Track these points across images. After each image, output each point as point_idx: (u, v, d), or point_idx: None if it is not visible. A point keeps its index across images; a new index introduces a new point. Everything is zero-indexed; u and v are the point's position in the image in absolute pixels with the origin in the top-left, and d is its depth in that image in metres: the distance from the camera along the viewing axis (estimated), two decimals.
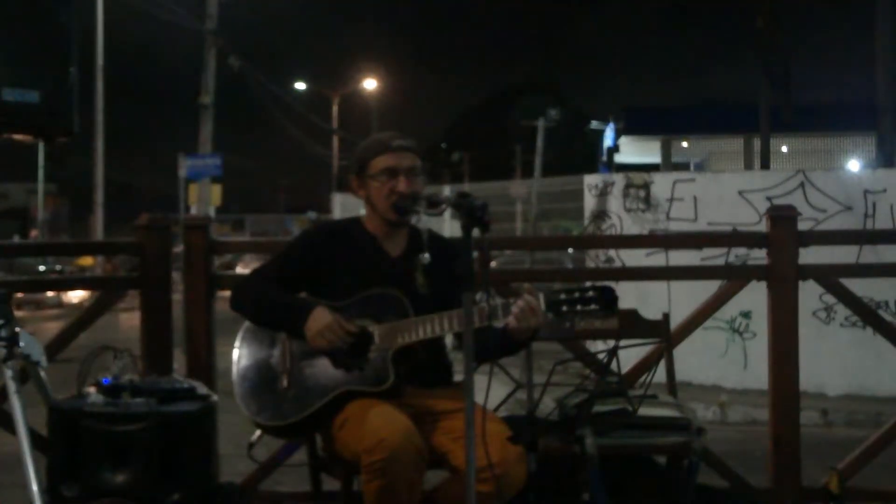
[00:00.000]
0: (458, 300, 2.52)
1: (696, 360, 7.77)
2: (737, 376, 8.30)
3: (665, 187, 8.85)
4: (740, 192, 8.56)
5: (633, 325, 3.74)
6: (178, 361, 4.04)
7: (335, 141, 37.15)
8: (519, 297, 2.81)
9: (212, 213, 19.98)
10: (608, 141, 22.41)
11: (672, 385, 3.76)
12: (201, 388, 3.33)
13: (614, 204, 8.99)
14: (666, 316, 3.82)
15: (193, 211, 19.36)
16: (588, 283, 2.84)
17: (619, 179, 9.11)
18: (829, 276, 4.09)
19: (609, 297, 2.76)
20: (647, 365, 3.87)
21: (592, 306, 2.74)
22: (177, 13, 19.80)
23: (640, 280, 6.49)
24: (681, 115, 21.56)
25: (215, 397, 3.34)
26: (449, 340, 3.09)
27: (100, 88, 24.00)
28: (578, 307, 2.75)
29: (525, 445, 2.82)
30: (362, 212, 3.19)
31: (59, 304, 22.16)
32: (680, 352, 3.88)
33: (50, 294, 21.61)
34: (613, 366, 3.72)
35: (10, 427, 3.24)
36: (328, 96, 38.85)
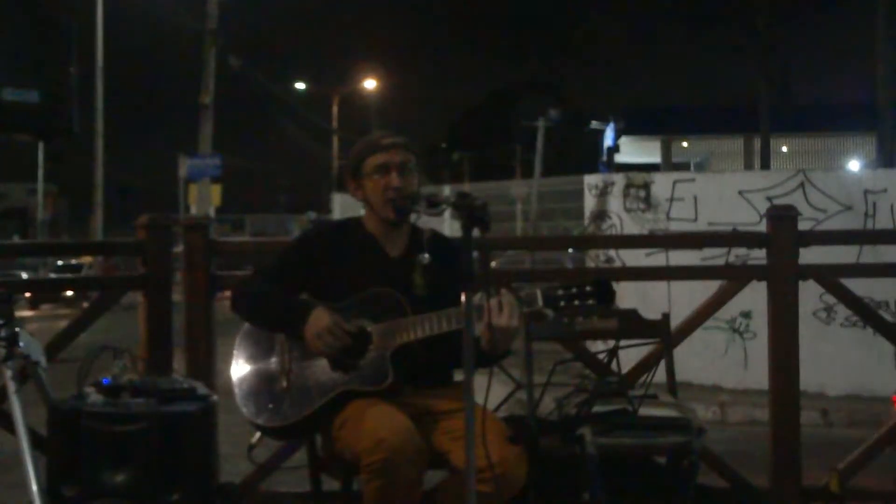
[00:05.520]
0: (458, 300, 2.51)
1: (696, 360, 7.77)
2: (737, 376, 8.29)
3: (665, 187, 8.85)
4: (740, 192, 8.56)
5: (633, 325, 3.74)
6: (178, 361, 4.04)
7: (335, 141, 37.15)
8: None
9: (212, 213, 19.99)
10: (608, 141, 22.41)
11: (672, 385, 3.76)
12: (201, 388, 3.32)
13: (614, 204, 8.98)
14: (666, 316, 3.82)
15: (193, 211, 19.37)
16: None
17: (619, 179, 9.10)
18: (829, 276, 4.09)
19: (606, 293, 2.75)
20: (647, 365, 3.87)
21: (590, 301, 2.74)
22: (177, 13, 19.81)
23: (640, 280, 6.50)
24: (681, 115, 21.60)
25: (215, 397, 3.34)
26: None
27: (100, 88, 24.00)
28: (576, 302, 2.75)
29: (525, 445, 2.82)
30: (363, 212, 3.19)
31: None
32: (680, 352, 3.88)
33: None
34: (613, 366, 3.72)
35: (10, 427, 3.24)
36: (328, 96, 38.85)
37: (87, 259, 30.13)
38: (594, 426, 3.22)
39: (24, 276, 23.00)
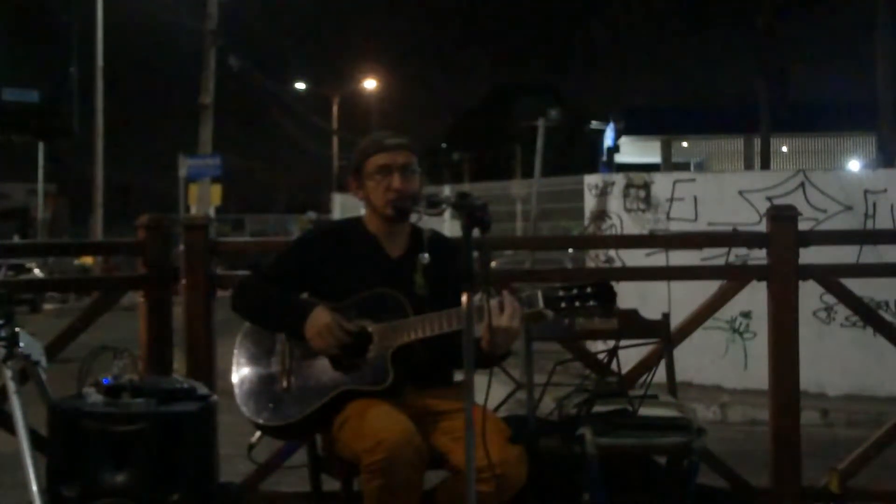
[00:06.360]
0: (459, 300, 2.51)
1: (696, 360, 7.77)
2: (737, 376, 8.30)
3: (665, 187, 8.85)
4: (740, 192, 8.56)
5: (633, 325, 3.74)
6: (178, 361, 4.04)
7: (335, 141, 37.16)
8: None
9: (212, 213, 19.99)
10: (608, 141, 22.43)
11: (672, 385, 3.76)
12: (201, 388, 3.32)
13: (614, 204, 8.99)
14: (666, 316, 3.82)
15: (193, 211, 19.37)
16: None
17: (619, 179, 9.11)
18: (829, 276, 4.09)
19: (607, 294, 2.75)
20: (647, 365, 3.87)
21: (591, 303, 2.74)
22: (177, 13, 19.83)
23: (640, 280, 6.49)
24: (681, 115, 21.57)
25: (215, 397, 3.34)
26: None
27: (100, 88, 24.00)
28: (577, 304, 2.75)
29: (525, 445, 2.82)
30: (363, 212, 3.19)
31: None
32: (680, 352, 3.88)
33: None
34: (613, 366, 3.72)
35: (10, 427, 3.24)
36: (328, 96, 38.86)
37: (88, 259, 29.97)
38: (594, 426, 3.22)
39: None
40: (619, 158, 22.08)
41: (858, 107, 17.42)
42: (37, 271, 24.42)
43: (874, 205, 8.36)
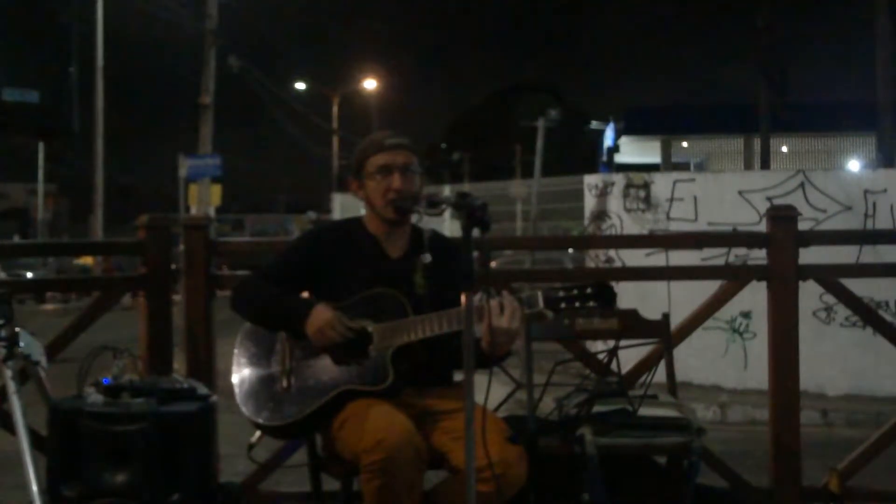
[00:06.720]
0: (459, 300, 2.51)
1: (696, 360, 7.78)
2: (737, 376, 8.30)
3: (665, 187, 8.85)
4: (740, 192, 8.57)
5: (633, 325, 3.74)
6: (178, 361, 4.04)
7: (335, 141, 37.14)
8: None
9: (212, 213, 19.98)
10: (608, 141, 22.44)
11: (672, 385, 3.76)
12: (201, 388, 3.33)
13: (614, 204, 8.99)
14: (666, 316, 3.82)
15: (193, 211, 19.36)
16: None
17: (619, 179, 9.11)
18: (829, 276, 4.09)
19: (607, 294, 2.75)
20: (647, 365, 3.87)
21: (591, 303, 2.74)
22: (177, 13, 19.84)
23: (640, 280, 6.49)
24: (681, 115, 21.58)
25: (215, 397, 3.34)
26: None
27: (100, 88, 24.01)
28: (577, 304, 2.74)
29: (525, 445, 2.82)
30: (363, 212, 3.19)
31: None
32: (680, 352, 3.88)
33: None
34: (613, 366, 3.72)
35: (10, 427, 3.24)
36: (328, 96, 38.84)
37: (88, 259, 29.92)
38: (594, 426, 3.22)
39: (29, 275, 22.91)
40: (619, 158, 22.09)
41: (858, 107, 17.43)
42: (2, 274, 23.67)
43: (874, 205, 8.37)
